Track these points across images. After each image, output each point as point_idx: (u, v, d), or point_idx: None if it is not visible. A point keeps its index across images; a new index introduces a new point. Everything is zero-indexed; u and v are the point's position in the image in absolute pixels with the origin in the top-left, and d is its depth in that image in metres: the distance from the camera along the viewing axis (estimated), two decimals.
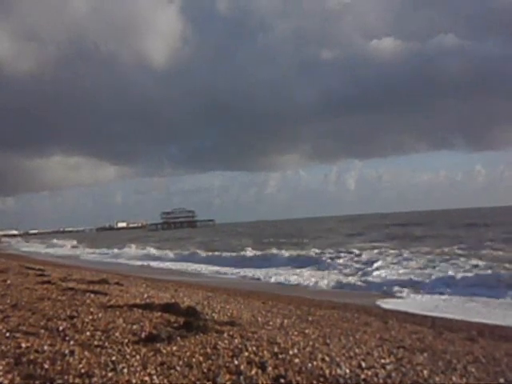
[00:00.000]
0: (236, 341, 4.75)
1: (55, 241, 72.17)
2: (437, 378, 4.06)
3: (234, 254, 30.73)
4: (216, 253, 33.31)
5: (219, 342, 4.63)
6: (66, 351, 4.07)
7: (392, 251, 26.09)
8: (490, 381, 4.24)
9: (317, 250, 28.20)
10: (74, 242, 66.37)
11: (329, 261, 23.28)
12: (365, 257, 23.86)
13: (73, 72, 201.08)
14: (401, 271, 18.66)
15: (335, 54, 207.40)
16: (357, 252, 26.13)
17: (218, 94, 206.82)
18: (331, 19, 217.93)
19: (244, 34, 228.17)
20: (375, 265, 20.57)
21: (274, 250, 30.23)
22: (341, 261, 22.92)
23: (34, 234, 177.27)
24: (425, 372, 4.21)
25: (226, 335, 4.98)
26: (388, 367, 4.27)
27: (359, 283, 16.70)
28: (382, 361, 4.51)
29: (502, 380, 4.26)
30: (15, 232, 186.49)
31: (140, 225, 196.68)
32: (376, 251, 26.37)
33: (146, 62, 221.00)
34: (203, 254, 33.43)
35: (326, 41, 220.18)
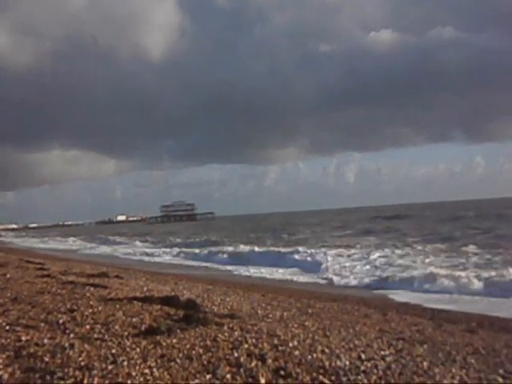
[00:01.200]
0: (236, 333, 4.75)
1: (46, 239, 71.57)
2: (436, 370, 4.06)
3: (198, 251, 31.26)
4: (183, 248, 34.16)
5: (219, 335, 4.63)
6: (66, 344, 4.07)
7: (361, 248, 25.87)
8: (490, 372, 4.24)
9: (287, 247, 28.13)
10: (57, 238, 66.31)
11: (293, 257, 22.81)
12: (333, 252, 23.42)
13: (71, 66, 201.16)
14: (364, 268, 18.12)
15: (333, 47, 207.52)
16: (328, 247, 26.20)
17: (216, 86, 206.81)
18: (329, 12, 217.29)
19: (242, 25, 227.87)
20: (339, 261, 20.37)
21: (242, 246, 30.78)
22: (305, 258, 22.29)
23: (34, 228, 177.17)
24: (424, 363, 4.22)
25: (225, 328, 4.98)
26: (388, 359, 4.27)
27: (320, 280, 16.53)
28: (382, 352, 4.51)
29: (501, 371, 4.26)
30: (15, 226, 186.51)
31: (139, 218, 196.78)
32: (348, 250, 25.33)
33: (143, 56, 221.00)
34: (179, 248, 34.13)
35: (325, 33, 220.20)
